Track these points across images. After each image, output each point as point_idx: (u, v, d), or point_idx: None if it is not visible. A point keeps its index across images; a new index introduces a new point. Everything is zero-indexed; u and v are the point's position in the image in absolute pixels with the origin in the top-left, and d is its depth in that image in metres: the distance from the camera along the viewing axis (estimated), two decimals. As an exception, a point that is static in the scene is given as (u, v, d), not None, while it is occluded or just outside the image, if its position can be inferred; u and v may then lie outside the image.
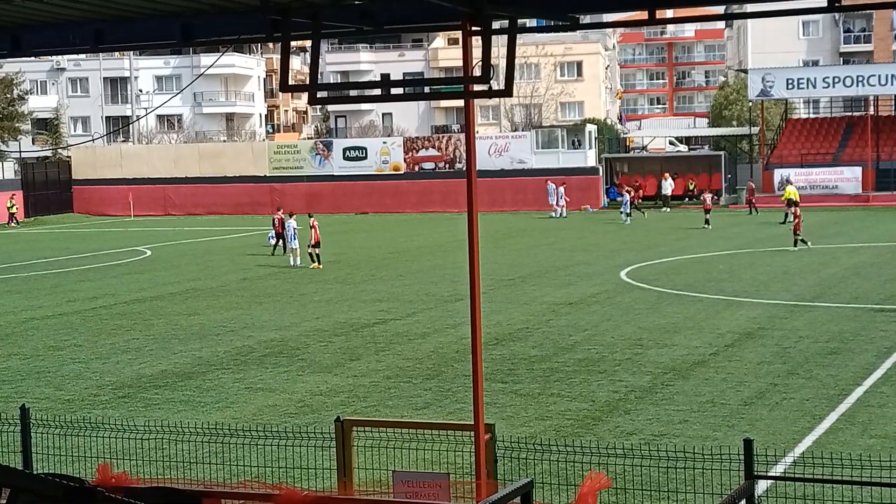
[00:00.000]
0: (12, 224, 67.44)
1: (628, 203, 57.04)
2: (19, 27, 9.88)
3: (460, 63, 9.32)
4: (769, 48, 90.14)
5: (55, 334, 26.21)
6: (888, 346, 21.85)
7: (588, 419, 16.97)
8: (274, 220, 44.03)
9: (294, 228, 40.32)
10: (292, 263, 39.52)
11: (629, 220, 55.52)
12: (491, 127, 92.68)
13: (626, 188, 60.19)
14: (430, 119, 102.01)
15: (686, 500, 12.04)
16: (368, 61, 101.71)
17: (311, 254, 38.98)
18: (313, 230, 39.14)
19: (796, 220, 40.91)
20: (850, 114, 75.80)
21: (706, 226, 50.85)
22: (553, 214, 61.55)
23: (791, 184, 60.89)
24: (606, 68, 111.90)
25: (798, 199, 52.35)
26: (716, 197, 57.10)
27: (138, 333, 26.00)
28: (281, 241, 42.60)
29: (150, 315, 28.82)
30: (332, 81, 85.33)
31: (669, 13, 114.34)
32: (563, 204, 61.53)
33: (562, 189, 61.91)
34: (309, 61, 8.93)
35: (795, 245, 40.07)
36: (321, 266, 38.44)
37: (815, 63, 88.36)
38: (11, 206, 68.67)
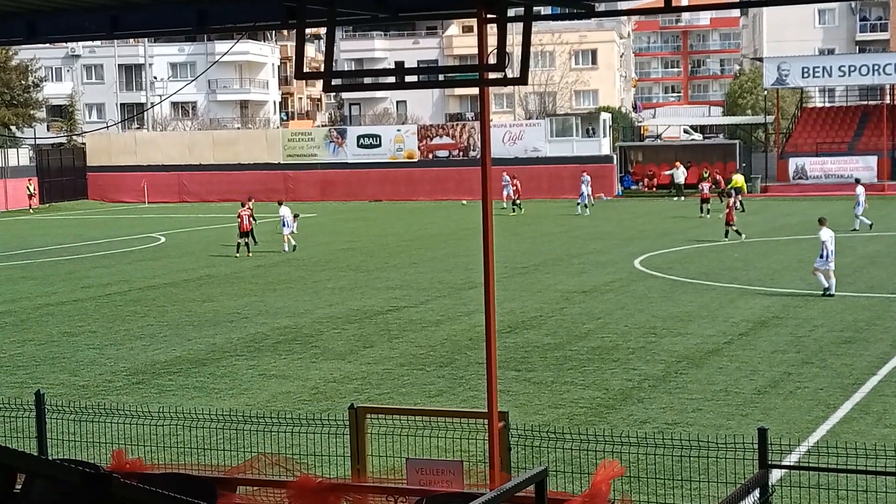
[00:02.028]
0: None
1: (586, 195, 56.31)
2: (35, 13, 9.89)
3: (474, 51, 9.29)
4: (785, 36, 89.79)
5: (70, 320, 26.29)
6: (903, 336, 21.79)
7: (601, 407, 16.96)
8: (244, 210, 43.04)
9: (288, 217, 40.66)
10: (286, 249, 40.27)
11: (587, 211, 54.84)
12: (505, 115, 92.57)
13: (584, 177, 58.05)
14: (444, 107, 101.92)
15: (700, 489, 12.03)
16: (382, 49, 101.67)
17: (245, 244, 39.27)
18: (240, 220, 39.40)
19: (728, 210, 40.61)
20: (865, 103, 75.50)
21: (704, 215, 50.42)
22: (505, 205, 59.28)
23: (738, 172, 61.70)
24: (621, 56, 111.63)
25: (733, 190, 53.11)
26: (713, 186, 56.92)
27: (152, 320, 26.07)
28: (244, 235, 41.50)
29: (164, 301, 28.89)
30: (346, 69, 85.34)
31: (685, 0, 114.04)
32: (589, 192, 60.81)
33: (587, 177, 61.09)
34: (323, 48, 8.92)
35: (727, 235, 39.89)
36: (250, 255, 38.89)
37: (831, 51, 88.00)
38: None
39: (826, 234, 27.21)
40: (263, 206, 53.36)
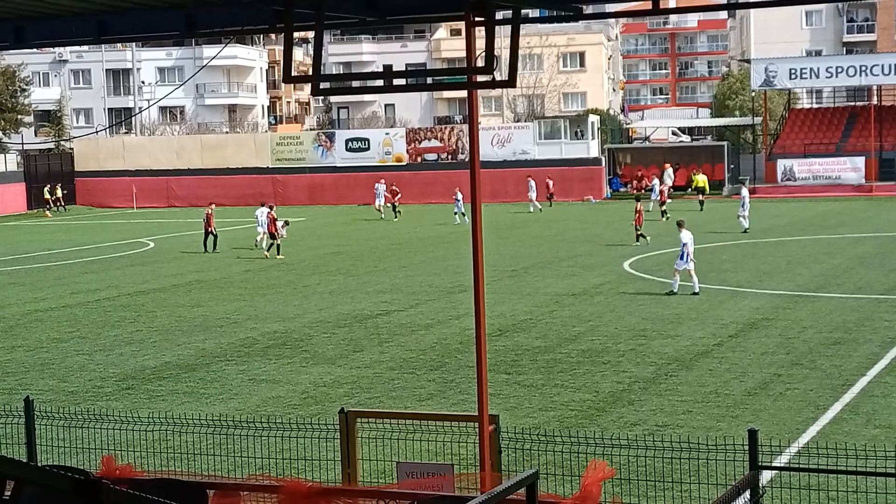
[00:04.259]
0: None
1: (461, 203, 52.70)
2: (22, 18, 9.86)
3: (462, 54, 9.29)
4: (772, 38, 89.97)
5: (59, 326, 26.22)
6: (892, 336, 21.84)
7: (592, 410, 16.97)
8: (206, 214, 43.29)
9: (262, 217, 41.68)
10: (264, 247, 41.23)
11: (465, 220, 51.26)
12: (493, 118, 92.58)
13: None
14: (432, 110, 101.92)
15: (690, 491, 12.04)
16: (371, 52, 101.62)
17: (277, 245, 40.01)
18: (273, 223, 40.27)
19: (637, 215, 40.47)
20: (853, 104, 75.69)
21: (662, 218, 50.02)
22: (381, 215, 57.90)
23: (700, 172, 62.43)
24: (609, 59, 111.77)
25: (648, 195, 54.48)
26: (671, 189, 57.07)
27: (142, 325, 26.01)
28: (211, 237, 42.56)
29: (153, 307, 28.84)
30: (334, 72, 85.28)
31: (673, 3, 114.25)
32: (533, 197, 60.24)
33: (533, 182, 60.94)
34: (311, 52, 8.92)
35: (638, 240, 39.99)
36: (272, 256, 39.50)
37: (819, 53, 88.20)
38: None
39: (686, 237, 28.35)
40: (253, 211, 53.31)
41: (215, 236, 42.60)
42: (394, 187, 59.63)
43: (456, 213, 53.22)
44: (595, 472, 8.45)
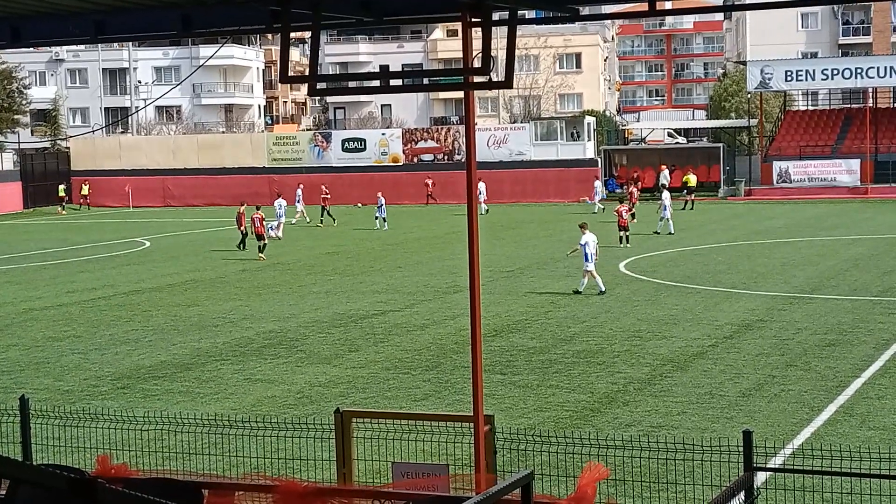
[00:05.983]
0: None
1: (384, 208, 51.43)
2: (19, 17, 9.86)
3: (459, 55, 9.33)
4: (768, 40, 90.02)
5: (54, 325, 26.21)
6: (886, 338, 21.88)
7: (587, 410, 16.98)
8: (238, 214, 43.04)
9: (282, 207, 45.14)
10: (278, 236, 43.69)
11: (384, 226, 50.80)
12: (490, 119, 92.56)
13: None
14: (428, 110, 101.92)
15: (685, 492, 12.06)
16: (367, 53, 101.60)
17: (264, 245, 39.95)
18: (253, 222, 40.13)
19: (621, 220, 40.35)
20: (848, 106, 75.78)
21: (632, 220, 50.10)
22: (291, 221, 55.99)
23: (691, 172, 62.67)
24: (605, 60, 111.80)
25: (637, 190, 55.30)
26: (638, 193, 57.02)
27: (137, 324, 26.00)
28: (243, 236, 42.42)
29: (148, 306, 28.83)
30: (331, 73, 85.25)
31: (669, 4, 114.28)
32: (483, 199, 59.36)
33: (482, 185, 60.55)
34: (308, 52, 8.93)
35: (621, 241, 39.79)
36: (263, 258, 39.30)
37: (814, 55, 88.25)
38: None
39: (587, 238, 29.01)
40: (250, 210, 53.27)
41: (245, 235, 42.27)
42: (324, 189, 57.99)
43: (377, 219, 51.40)
44: (590, 473, 8.46)
